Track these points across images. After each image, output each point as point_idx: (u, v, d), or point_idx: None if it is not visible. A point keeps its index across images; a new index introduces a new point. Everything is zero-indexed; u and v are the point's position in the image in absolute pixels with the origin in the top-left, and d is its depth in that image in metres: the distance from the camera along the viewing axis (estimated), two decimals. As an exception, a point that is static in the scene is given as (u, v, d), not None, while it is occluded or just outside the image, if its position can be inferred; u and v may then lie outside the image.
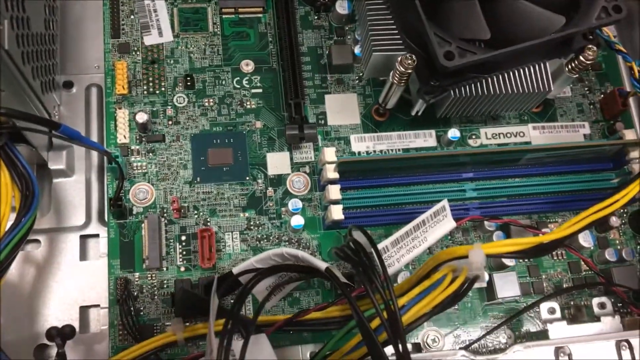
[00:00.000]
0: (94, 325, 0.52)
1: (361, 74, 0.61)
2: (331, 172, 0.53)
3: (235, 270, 0.46)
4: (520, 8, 0.50)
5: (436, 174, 0.57)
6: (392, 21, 0.54)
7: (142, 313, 0.51)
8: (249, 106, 0.58)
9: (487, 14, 0.50)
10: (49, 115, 0.54)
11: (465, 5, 0.50)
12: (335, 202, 0.53)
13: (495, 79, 0.54)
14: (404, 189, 0.56)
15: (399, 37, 0.54)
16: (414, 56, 0.50)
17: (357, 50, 0.60)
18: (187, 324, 0.48)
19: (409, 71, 0.50)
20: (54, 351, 0.49)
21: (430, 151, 0.59)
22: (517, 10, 0.50)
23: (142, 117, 0.54)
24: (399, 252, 0.50)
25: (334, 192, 0.53)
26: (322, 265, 0.42)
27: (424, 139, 0.60)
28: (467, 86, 0.53)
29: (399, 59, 0.50)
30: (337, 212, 0.52)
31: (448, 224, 0.52)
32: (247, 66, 0.59)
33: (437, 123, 0.60)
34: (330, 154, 0.54)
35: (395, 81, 0.52)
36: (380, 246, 0.49)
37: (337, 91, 0.60)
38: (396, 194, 0.56)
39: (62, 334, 0.47)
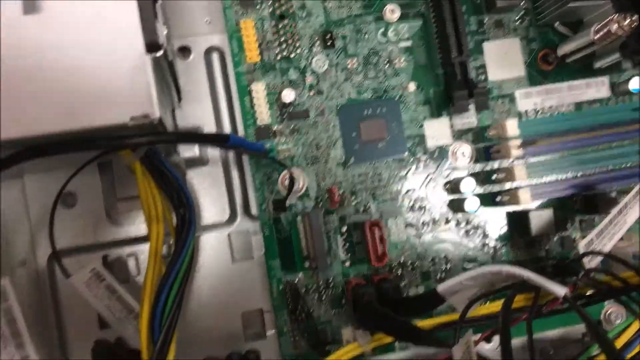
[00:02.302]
0: (259, 331, 0.48)
1: (522, 12, 0.51)
2: (515, 150, 0.46)
3: (440, 289, 0.40)
4: None
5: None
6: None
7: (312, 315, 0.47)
8: (398, 65, 0.49)
9: None
10: (179, 99, 0.45)
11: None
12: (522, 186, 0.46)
13: None
14: (575, 152, 0.49)
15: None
16: (637, 18, 0.40)
17: (522, -15, 0.50)
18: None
19: (623, 34, 0.41)
20: None
21: (605, 104, 0.51)
22: None
23: (289, 96, 0.46)
24: (602, 241, 0.45)
25: (521, 174, 0.46)
26: (560, 290, 0.37)
27: (596, 89, 0.51)
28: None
29: (616, 19, 0.41)
30: (525, 198, 0.46)
31: (646, 200, 0.46)
32: (393, 13, 0.49)
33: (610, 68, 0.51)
34: (512, 127, 0.46)
35: (596, 39, 0.43)
36: (586, 241, 0.44)
37: (496, 37, 0.51)
38: (578, 161, 0.49)
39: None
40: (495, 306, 0.43)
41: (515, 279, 0.39)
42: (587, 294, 0.41)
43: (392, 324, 0.41)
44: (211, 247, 0.48)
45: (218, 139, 0.37)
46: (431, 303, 0.42)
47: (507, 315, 0.35)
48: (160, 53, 0.30)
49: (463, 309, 0.37)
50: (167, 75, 0.35)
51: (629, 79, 0.50)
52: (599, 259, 0.44)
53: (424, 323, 0.43)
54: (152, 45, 0.30)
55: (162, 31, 0.30)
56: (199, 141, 0.38)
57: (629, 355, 0.37)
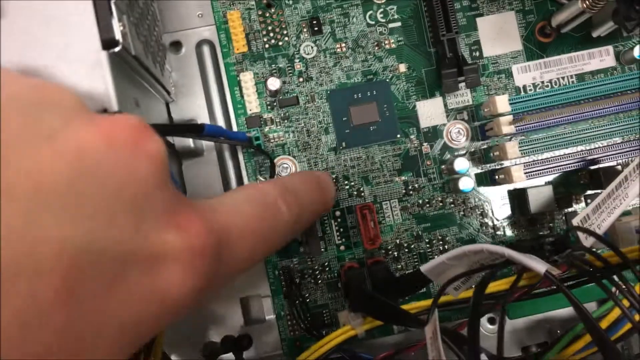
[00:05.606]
0: (258, 316, 0.49)
1: (518, -15, 0.49)
2: (506, 127, 0.45)
3: (424, 269, 0.40)
4: None
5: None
6: None
7: (308, 300, 0.48)
8: (388, 46, 0.49)
9: None
10: (168, 94, 0.46)
11: None
12: (514, 162, 0.45)
13: None
14: (577, 126, 0.48)
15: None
16: (622, -21, 0.39)
17: (514, -44, 0.48)
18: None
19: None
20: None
21: (610, 73, 0.49)
22: None
23: (274, 84, 0.46)
24: (600, 217, 0.43)
25: (513, 151, 0.45)
26: (542, 267, 0.36)
27: (600, 59, 0.49)
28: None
29: (601, -17, 0.39)
30: (518, 175, 0.45)
31: (650, 173, 0.44)
32: (380, -6, 0.49)
33: (614, 36, 0.49)
34: (502, 103, 0.45)
35: (586, 7, 0.41)
36: (580, 217, 0.42)
37: (490, 11, 0.49)
38: (573, 136, 0.47)
39: (239, 346, 0.43)
40: (495, 285, 0.43)
41: (498, 257, 0.38)
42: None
43: (378, 306, 0.41)
44: (210, 236, 0.49)
45: (193, 129, 0.37)
46: (418, 283, 0.41)
47: (479, 297, 0.34)
48: (117, 49, 0.31)
49: (439, 290, 0.37)
50: (139, 69, 0.36)
51: (633, 47, 0.48)
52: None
53: (418, 305, 0.43)
54: (108, 42, 0.31)
55: (118, 28, 0.31)
56: (174, 133, 0.39)
57: (615, 337, 0.36)
